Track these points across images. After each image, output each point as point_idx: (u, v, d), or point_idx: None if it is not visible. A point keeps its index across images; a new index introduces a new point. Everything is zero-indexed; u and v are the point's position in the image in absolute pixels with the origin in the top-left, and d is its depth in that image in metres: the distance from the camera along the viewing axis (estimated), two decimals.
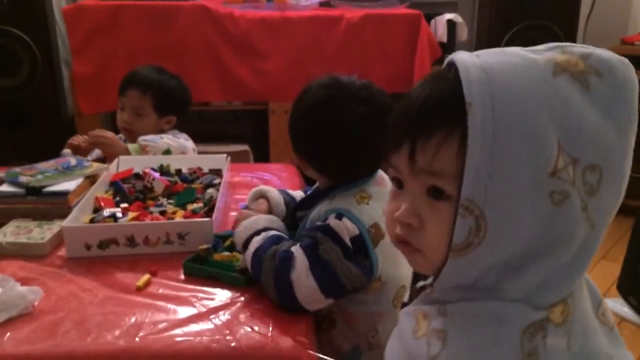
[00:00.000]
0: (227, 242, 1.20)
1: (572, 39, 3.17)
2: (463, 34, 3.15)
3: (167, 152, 1.73)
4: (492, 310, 0.58)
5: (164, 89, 1.84)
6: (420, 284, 0.74)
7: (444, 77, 0.61)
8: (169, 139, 1.78)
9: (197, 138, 1.95)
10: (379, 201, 1.11)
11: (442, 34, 3.07)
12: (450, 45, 3.11)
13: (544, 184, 0.55)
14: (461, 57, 0.59)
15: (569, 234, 0.56)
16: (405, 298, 0.79)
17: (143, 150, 1.70)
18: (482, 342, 0.57)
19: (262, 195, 1.28)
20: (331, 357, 0.96)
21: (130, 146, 1.72)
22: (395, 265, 1.12)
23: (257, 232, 1.10)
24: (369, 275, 1.05)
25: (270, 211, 1.24)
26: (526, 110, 0.55)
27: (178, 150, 1.76)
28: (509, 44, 3.12)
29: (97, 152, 1.86)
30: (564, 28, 3.12)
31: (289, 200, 1.30)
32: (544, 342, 0.56)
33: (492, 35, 3.16)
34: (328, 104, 1.09)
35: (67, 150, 1.78)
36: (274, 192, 1.28)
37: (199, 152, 1.90)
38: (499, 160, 0.54)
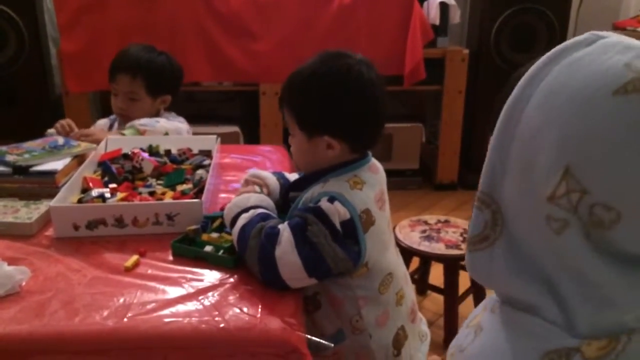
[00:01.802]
0: (216, 223, 1.19)
1: (565, 23, 3.16)
2: (455, 16, 3.13)
3: (165, 135, 1.72)
4: (527, 324, 0.56)
5: (153, 70, 1.80)
6: None
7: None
8: (164, 122, 1.76)
9: (188, 119, 1.93)
10: (371, 187, 1.11)
11: (434, 16, 3.05)
12: (442, 28, 3.10)
13: (540, 207, 0.52)
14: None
15: (577, 264, 0.52)
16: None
17: (141, 134, 1.68)
18: (500, 350, 0.56)
19: (260, 179, 1.25)
20: (317, 339, 0.97)
21: (127, 132, 1.69)
22: (383, 253, 1.13)
23: (246, 210, 1.10)
24: (356, 260, 1.05)
25: (267, 195, 1.23)
26: (542, 125, 0.51)
27: (174, 133, 1.74)
28: (502, 26, 3.12)
29: None
30: (557, 12, 3.11)
31: (284, 183, 1.29)
32: None
33: (485, 18, 3.15)
34: (346, 70, 1.09)
35: (51, 130, 1.74)
36: (271, 178, 1.26)
37: None
38: (509, 165, 0.54)
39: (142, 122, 1.72)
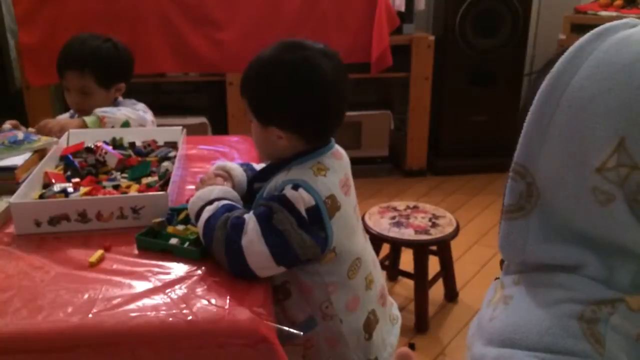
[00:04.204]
0: (182, 215, 1.18)
1: (528, 8, 3.20)
2: (420, 3, 3.14)
3: (126, 124, 1.66)
4: (563, 281, 0.55)
5: (100, 60, 1.73)
6: None
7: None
8: (127, 111, 1.71)
9: (154, 110, 1.88)
10: (335, 173, 1.11)
11: (399, 3, 3.06)
12: (408, 15, 3.11)
13: (586, 177, 0.51)
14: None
15: (621, 237, 0.53)
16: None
17: (101, 122, 1.64)
18: (540, 304, 0.55)
19: (226, 171, 1.24)
20: (286, 328, 0.97)
21: (87, 119, 1.64)
22: (350, 238, 1.13)
23: (210, 202, 1.09)
24: (323, 246, 1.06)
25: (232, 188, 1.22)
26: (596, 93, 0.51)
27: (137, 122, 1.70)
28: (466, 13, 3.15)
29: None
30: None
31: (252, 173, 1.28)
32: (608, 317, 0.52)
33: (450, 4, 3.17)
34: (298, 61, 1.07)
35: (6, 126, 1.68)
36: (237, 170, 1.25)
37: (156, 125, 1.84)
38: (550, 135, 0.53)
39: (103, 109, 1.68)
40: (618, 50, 0.51)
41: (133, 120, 1.69)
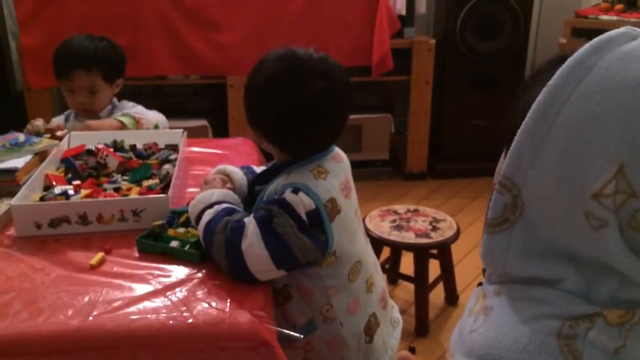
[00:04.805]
0: (183, 218, 1.18)
1: (529, 12, 3.21)
2: (421, 6, 3.15)
3: (156, 127, 1.72)
4: (543, 295, 0.55)
5: (104, 57, 1.76)
6: None
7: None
8: (155, 114, 1.77)
9: None
10: (336, 176, 1.11)
11: (400, 6, 3.06)
12: (408, 18, 3.11)
13: (579, 201, 0.50)
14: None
15: (609, 260, 0.52)
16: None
17: (137, 123, 1.68)
18: (520, 319, 0.55)
19: (226, 175, 1.25)
20: (287, 331, 0.97)
21: (124, 119, 1.68)
22: (351, 241, 1.13)
23: (210, 205, 1.09)
24: (324, 249, 1.06)
25: (233, 191, 1.22)
26: (596, 115, 0.48)
27: (162, 125, 1.76)
28: (467, 16, 3.15)
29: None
30: (521, 2, 3.15)
31: (253, 177, 1.28)
32: (586, 333, 0.51)
33: (450, 8, 3.17)
34: (285, 77, 1.07)
35: (38, 123, 1.70)
36: (238, 173, 1.25)
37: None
38: (543, 151, 0.51)
39: (137, 110, 1.74)
40: (620, 69, 0.49)
41: (160, 122, 1.75)
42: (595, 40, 0.52)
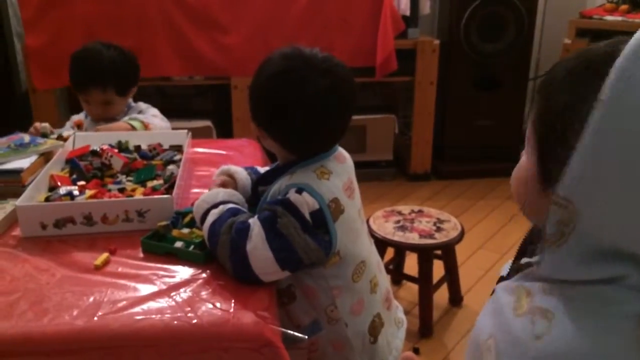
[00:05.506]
0: (187, 219, 1.18)
1: (533, 12, 3.20)
2: (425, 7, 3.14)
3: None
4: (607, 294, 0.55)
5: (120, 72, 1.78)
6: (525, 260, 0.72)
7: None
8: (161, 119, 1.81)
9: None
10: (339, 177, 1.11)
11: (404, 7, 3.06)
12: (412, 19, 3.11)
13: None
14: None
15: None
16: (504, 271, 0.76)
17: (146, 128, 1.71)
18: (595, 328, 0.54)
19: (230, 175, 1.26)
20: (291, 331, 0.97)
21: (135, 123, 1.71)
22: (355, 241, 1.13)
23: (215, 205, 1.09)
24: (328, 249, 1.06)
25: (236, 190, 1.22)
26: None
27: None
28: (471, 17, 3.14)
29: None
30: (525, 2, 3.15)
31: (257, 177, 1.28)
32: None
33: (455, 9, 3.17)
34: (289, 74, 1.07)
35: (69, 124, 1.74)
36: (241, 173, 1.26)
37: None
38: (607, 170, 0.52)
39: (151, 113, 1.81)
40: None
41: (165, 129, 1.79)
42: (634, 46, 0.51)
